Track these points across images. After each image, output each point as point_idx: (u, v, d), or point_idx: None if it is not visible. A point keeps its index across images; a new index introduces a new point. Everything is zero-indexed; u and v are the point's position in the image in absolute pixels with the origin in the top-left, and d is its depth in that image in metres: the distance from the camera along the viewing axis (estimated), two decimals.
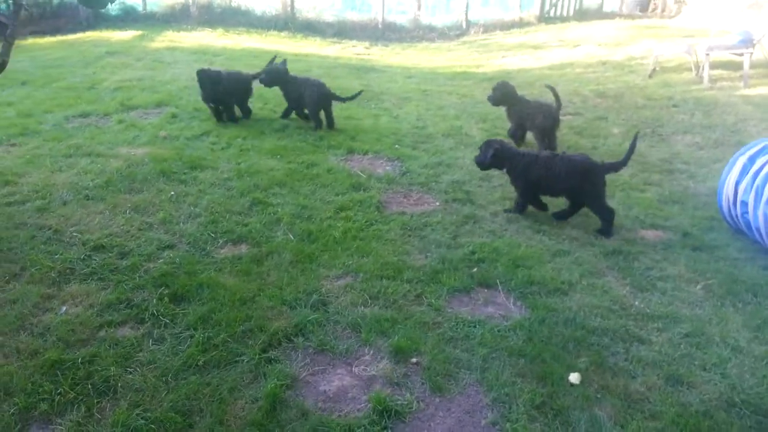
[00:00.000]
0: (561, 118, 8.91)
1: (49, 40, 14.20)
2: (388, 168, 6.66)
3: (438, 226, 5.24)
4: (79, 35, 14.76)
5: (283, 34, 16.97)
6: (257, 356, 3.36)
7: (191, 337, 3.46)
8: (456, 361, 3.49)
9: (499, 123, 8.71)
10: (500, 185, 6.35)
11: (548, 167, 5.39)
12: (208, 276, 4.12)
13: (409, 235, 5.06)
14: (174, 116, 7.71)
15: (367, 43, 16.71)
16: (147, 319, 3.60)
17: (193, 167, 6.09)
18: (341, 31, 17.71)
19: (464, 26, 18.08)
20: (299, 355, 3.46)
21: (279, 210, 5.27)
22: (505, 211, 5.64)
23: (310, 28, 17.57)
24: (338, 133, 7.65)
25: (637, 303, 4.25)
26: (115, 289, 3.87)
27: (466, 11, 18.06)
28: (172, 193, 5.46)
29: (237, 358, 3.35)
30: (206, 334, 3.49)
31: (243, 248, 4.63)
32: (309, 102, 7.86)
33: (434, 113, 9.26)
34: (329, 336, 3.62)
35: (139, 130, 7.12)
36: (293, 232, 4.92)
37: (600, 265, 4.77)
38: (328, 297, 4.03)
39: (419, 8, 18.36)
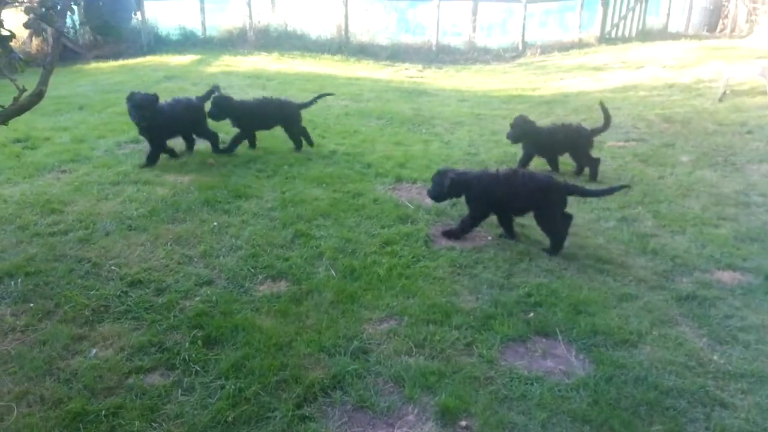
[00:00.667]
0: (625, 143, 8.41)
1: (111, 64, 14.69)
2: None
3: (490, 264, 4.88)
4: (140, 60, 15.22)
5: (336, 57, 17.04)
6: (290, 413, 3.08)
7: (222, 387, 3.22)
8: (511, 426, 3.11)
9: None
10: None
11: (510, 184, 5.20)
12: (244, 317, 3.90)
13: (459, 274, 4.71)
14: (223, 142, 7.65)
15: (420, 66, 16.54)
16: (178, 365, 3.40)
17: (238, 196, 5.95)
18: (395, 54, 17.63)
19: (521, 48, 17.66)
20: (336, 412, 3.16)
21: (322, 243, 5.04)
22: (444, 233, 5.42)
23: (364, 52, 17.57)
24: (387, 160, 7.40)
25: (716, 358, 3.77)
26: (148, 330, 3.70)
27: (523, 32, 17.65)
28: (215, 223, 5.32)
29: (269, 414, 3.08)
30: (238, 384, 3.25)
31: (282, 285, 4.40)
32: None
33: (487, 139, 8.91)
34: (370, 390, 3.31)
35: (189, 157, 7.08)
36: (336, 268, 4.66)
37: (672, 311, 4.29)
38: (369, 344, 3.73)
39: (474, 30, 18.07)
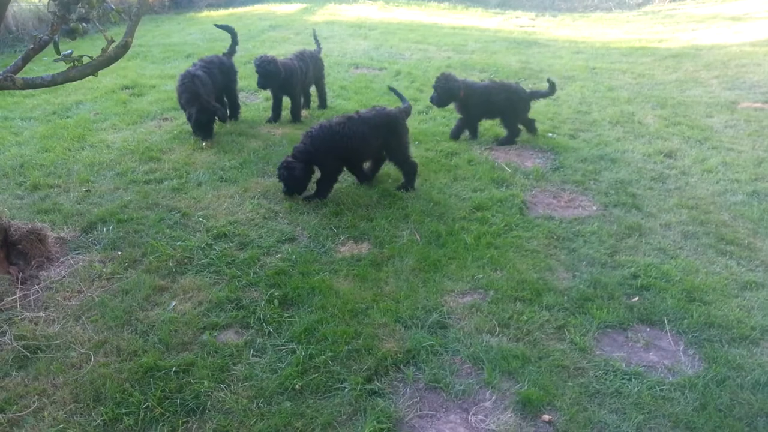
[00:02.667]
0: (763, 105, 7.39)
1: (221, 12, 14.98)
2: (538, 161, 5.85)
3: (592, 238, 4.41)
4: (249, 8, 15.40)
5: (443, 5, 16.34)
6: (360, 386, 2.92)
7: (292, 352, 3.12)
8: (600, 426, 2.77)
9: (681, 110, 7.39)
10: (677, 188, 5.27)
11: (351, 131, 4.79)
12: (322, 279, 3.77)
13: (555, 247, 4.30)
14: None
15: (533, 14, 15.49)
16: (252, 325, 3.34)
17: None
18: (506, 0, 16.61)
19: None
20: (408, 389, 2.97)
21: (408, 205, 4.79)
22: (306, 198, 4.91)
23: None
24: None
25: None
26: (227, 285, 3.67)
27: None
28: None
29: (337, 386, 2.94)
30: (309, 350, 3.13)
31: (364, 247, 4.22)
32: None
33: (602, 95, 8.13)
34: (445, 370, 3.08)
35: (284, 110, 7.01)
36: (421, 232, 4.41)
37: None
38: (449, 318, 3.48)
39: None
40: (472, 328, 3.40)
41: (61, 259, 3.80)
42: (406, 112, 5.18)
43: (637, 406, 2.88)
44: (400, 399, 2.91)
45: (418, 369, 3.10)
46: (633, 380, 3.04)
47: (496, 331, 3.38)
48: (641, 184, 5.36)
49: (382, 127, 4.88)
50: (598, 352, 3.25)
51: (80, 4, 3.75)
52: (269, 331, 3.29)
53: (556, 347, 3.26)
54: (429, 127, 6.60)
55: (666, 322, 3.50)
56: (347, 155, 4.87)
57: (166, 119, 6.64)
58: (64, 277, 3.63)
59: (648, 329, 3.47)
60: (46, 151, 5.56)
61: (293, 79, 6.40)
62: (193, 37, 11.39)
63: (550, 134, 6.57)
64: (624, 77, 9.12)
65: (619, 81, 8.90)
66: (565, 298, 3.69)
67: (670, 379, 3.08)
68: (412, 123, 6.69)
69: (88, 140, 5.83)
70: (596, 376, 3.07)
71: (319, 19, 13.79)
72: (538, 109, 7.36)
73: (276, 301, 3.54)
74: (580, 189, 5.26)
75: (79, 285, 3.57)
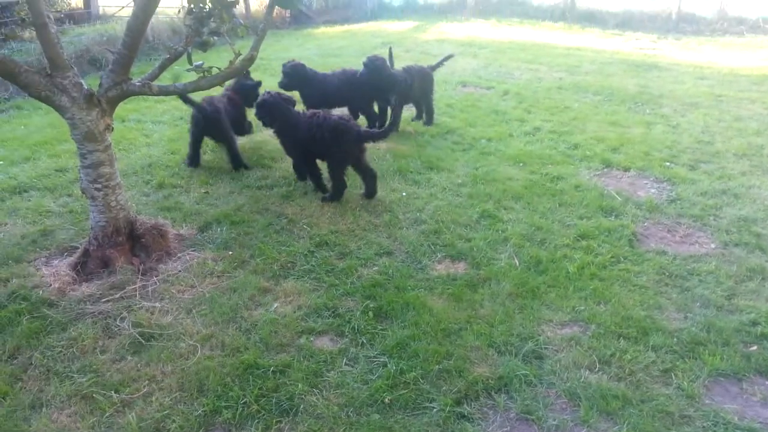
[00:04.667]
0: None
1: (337, 29, 15.57)
2: (652, 191, 5.54)
3: (709, 278, 4.10)
4: (363, 25, 15.90)
5: (558, 24, 15.98)
6: (449, 407, 2.90)
7: (384, 365, 3.15)
8: None
9: None
10: None
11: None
12: (417, 295, 3.78)
13: (667, 284, 4.04)
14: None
15: (654, 36, 14.75)
16: (347, 333, 3.41)
17: (430, 167, 5.84)
18: (626, 21, 15.96)
19: None
20: (498, 417, 2.90)
21: (509, 228, 4.70)
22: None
23: (590, 19, 16.20)
24: (597, 142, 6.68)
25: None
26: (325, 292, 3.78)
27: None
28: (404, 193, 5.28)
29: (426, 405, 2.93)
30: (400, 365, 3.15)
31: (460, 267, 4.19)
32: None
33: (727, 125, 7.57)
34: (538, 402, 2.97)
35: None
36: (520, 256, 4.31)
37: None
38: (545, 348, 3.37)
39: None
40: (569, 361, 3.27)
41: (179, 255, 4.10)
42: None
43: None
44: (489, 426, 2.85)
45: (510, 398, 3.02)
46: None
47: (595, 368, 3.22)
48: (767, 223, 4.92)
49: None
50: (707, 401, 3.01)
51: (212, 19, 4.06)
52: (362, 342, 3.35)
53: (660, 391, 3.06)
54: (535, 149, 6.45)
55: None
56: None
57: None
58: (180, 271, 3.91)
59: (766, 382, 3.16)
60: (172, 153, 6.03)
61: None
62: (309, 52, 11.91)
63: (668, 163, 6.20)
64: (753, 107, 8.45)
65: (748, 111, 8.25)
66: (675, 339, 3.45)
67: None
68: (517, 144, 6.60)
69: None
70: (704, 427, 2.84)
71: (429, 37, 13.96)
72: (656, 136, 7.00)
73: (371, 313, 3.59)
74: (697, 224, 4.91)
75: (193, 280, 3.83)
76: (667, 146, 6.70)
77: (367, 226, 4.73)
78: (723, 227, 4.85)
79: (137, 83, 3.65)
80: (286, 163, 5.88)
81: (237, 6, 4.19)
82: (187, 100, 5.40)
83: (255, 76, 9.74)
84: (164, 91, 3.76)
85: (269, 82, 9.21)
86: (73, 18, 13.42)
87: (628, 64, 11.14)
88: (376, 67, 6.40)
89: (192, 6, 4.03)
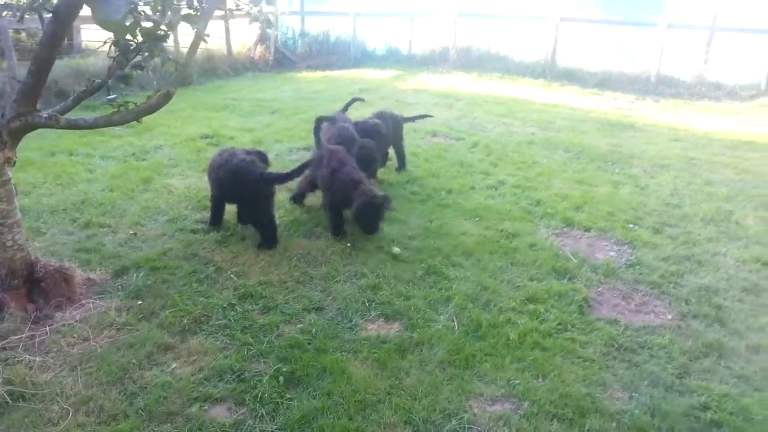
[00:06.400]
0: None
1: (318, 74, 15.57)
2: (611, 254, 5.27)
3: (661, 353, 3.78)
4: (345, 72, 15.93)
5: (538, 81, 16.06)
6: None
7: None
8: None
9: None
10: None
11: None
12: (338, 359, 3.42)
13: (615, 358, 3.71)
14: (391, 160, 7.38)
15: (632, 97, 14.82)
16: (248, 402, 3.03)
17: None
18: (605, 81, 16.07)
19: (763, 86, 14.90)
20: None
21: (453, 286, 4.38)
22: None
23: (570, 77, 16.31)
24: (561, 200, 6.44)
25: None
26: (236, 352, 3.41)
27: None
28: (349, 244, 4.97)
29: None
30: None
31: (394, 328, 3.85)
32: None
33: (697, 189, 7.38)
34: None
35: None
36: (460, 319, 3.98)
37: None
38: (470, 429, 3.00)
39: (706, 62, 15.71)
40: None
41: (83, 302, 3.73)
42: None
43: None
44: None
45: None
46: None
47: None
48: (730, 294, 4.64)
49: None
50: None
51: (140, 53, 3.83)
52: (263, 414, 2.97)
53: None
54: (495, 203, 6.20)
55: None
56: None
57: None
58: (77, 321, 3.54)
59: None
60: (110, 191, 5.72)
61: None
62: (284, 95, 11.81)
63: (631, 225, 5.96)
64: (725, 171, 8.31)
65: (720, 175, 8.10)
66: (614, 424, 3.10)
67: None
68: (477, 198, 6.35)
69: (153, 184, 5.96)
70: None
71: (408, 86, 13.94)
72: (622, 197, 6.78)
73: (281, 378, 3.23)
74: (655, 292, 4.62)
75: (88, 332, 3.45)
76: (633, 207, 6.47)
77: (301, 277, 4.39)
78: (682, 296, 4.56)
79: (44, 115, 3.37)
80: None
81: (167, 41, 3.96)
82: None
83: (224, 115, 9.61)
84: (73, 125, 3.48)
85: (236, 122, 9.05)
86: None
87: (603, 122, 11.08)
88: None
89: (119, 38, 3.80)
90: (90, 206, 5.29)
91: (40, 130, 4.99)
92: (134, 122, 3.67)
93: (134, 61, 3.85)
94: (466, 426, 3.01)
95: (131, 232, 4.85)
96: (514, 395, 3.28)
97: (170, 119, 8.85)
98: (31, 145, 7.05)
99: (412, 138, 8.64)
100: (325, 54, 17.09)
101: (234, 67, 14.94)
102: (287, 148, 7.69)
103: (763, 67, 14.95)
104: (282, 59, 16.47)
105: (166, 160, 6.86)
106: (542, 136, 9.52)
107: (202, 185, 6.10)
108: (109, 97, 3.57)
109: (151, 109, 3.55)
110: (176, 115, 9.21)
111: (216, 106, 10.33)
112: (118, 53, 3.74)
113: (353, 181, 4.97)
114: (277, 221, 5.30)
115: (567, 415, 3.12)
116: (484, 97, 12.91)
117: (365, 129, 6.45)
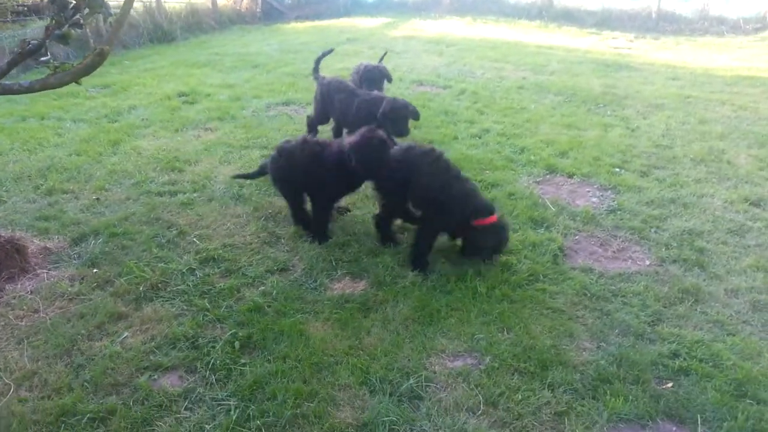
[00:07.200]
0: None
1: (307, 24, 15.10)
2: (593, 200, 5.10)
3: (634, 300, 3.67)
4: (334, 21, 15.44)
5: (534, 23, 15.54)
6: None
7: (227, 411, 2.71)
8: None
9: None
10: (757, 245, 4.37)
11: None
12: (297, 321, 3.33)
13: (585, 307, 3.60)
14: None
15: (632, 35, 14.30)
16: (200, 369, 2.96)
17: None
18: (604, 20, 15.50)
19: None
20: None
21: None
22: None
23: (568, 17, 15.75)
24: (546, 146, 6.24)
25: None
26: (192, 319, 3.33)
27: None
28: None
29: None
30: (248, 410, 2.70)
31: (360, 286, 3.75)
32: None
33: (691, 128, 7.13)
34: None
35: (327, 125, 6.70)
36: (429, 275, 3.86)
37: None
38: (428, 386, 2.92)
39: None
40: (451, 402, 2.82)
41: (37, 272, 3.64)
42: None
43: None
44: None
45: None
46: None
47: (478, 410, 2.78)
48: (714, 236, 4.49)
49: None
50: None
51: (79, 10, 3.60)
52: (214, 381, 2.90)
53: None
54: (477, 153, 6.00)
55: (699, 422, 2.74)
56: None
57: (208, 129, 6.51)
58: (29, 293, 3.45)
59: (674, 428, 2.73)
60: (77, 155, 5.57)
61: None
62: (269, 48, 11.45)
63: (617, 169, 5.76)
64: (722, 109, 8.01)
65: (715, 113, 7.81)
66: (578, 375, 3.01)
67: None
68: (460, 147, 6.15)
69: (123, 146, 5.80)
70: None
71: (399, 34, 13.50)
72: (611, 140, 6.55)
73: (237, 343, 3.14)
74: (635, 237, 4.47)
75: (38, 303, 3.37)
76: (621, 150, 6.25)
77: (268, 238, 4.28)
78: (663, 241, 4.42)
79: None
80: (201, 167, 5.43)
81: None
82: None
83: (204, 72, 9.33)
84: (8, 90, 3.30)
85: (216, 79, 8.79)
86: (38, 11, 12.91)
87: (599, 63, 10.69)
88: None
89: None
90: (55, 172, 5.15)
91: (11, 96, 4.83)
92: (111, 83, 3.46)
93: (73, 19, 3.61)
94: (424, 384, 2.93)
95: (94, 197, 4.72)
96: (476, 350, 3.18)
97: (147, 77, 8.61)
98: (1, 111, 6.89)
99: (396, 87, 8.37)
100: (315, 3, 16.56)
101: (219, 21, 14.49)
102: (265, 103, 7.46)
103: None
104: (270, 10, 15.96)
105: (139, 121, 6.67)
106: (534, 80, 9.20)
107: (174, 145, 5.95)
108: (42, 59, 3.37)
109: (87, 69, 3.35)
110: (154, 73, 8.96)
111: (197, 62, 10.03)
112: (55, 8, 3.52)
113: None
114: (249, 180, 5.17)
115: (529, 368, 3.04)
116: (477, 42, 12.49)
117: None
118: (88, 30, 3.63)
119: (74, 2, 3.66)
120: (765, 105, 8.14)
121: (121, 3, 3.50)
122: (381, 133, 4.08)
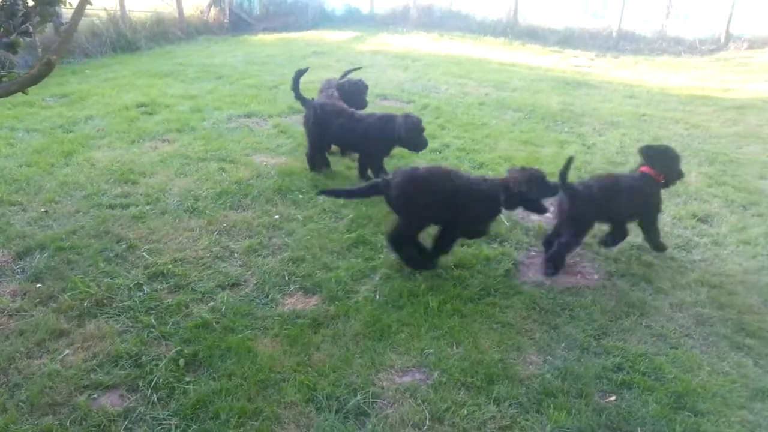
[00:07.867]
0: None
1: (274, 36, 15.06)
2: (547, 215, 5.18)
3: (582, 314, 3.74)
4: (301, 34, 15.44)
5: (499, 40, 15.80)
6: None
7: (168, 431, 2.66)
8: None
9: (732, 168, 6.52)
10: (702, 260, 4.51)
11: None
12: (243, 338, 3.30)
13: (534, 321, 3.66)
14: None
15: (593, 54, 14.68)
16: (141, 388, 2.90)
17: (316, 186, 5.37)
18: (567, 39, 15.87)
19: (723, 40, 14.82)
20: None
21: (381, 256, 4.26)
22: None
23: (532, 35, 16.08)
24: (504, 161, 6.33)
25: None
26: (136, 336, 3.26)
27: (729, 21, 14.75)
28: (277, 216, 4.80)
29: None
30: (188, 430, 2.65)
31: (311, 302, 3.73)
32: None
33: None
34: None
35: (289, 138, 6.69)
36: (383, 290, 3.87)
37: None
38: (375, 403, 2.92)
39: (667, 17, 15.55)
40: (397, 418, 2.82)
41: None
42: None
43: None
44: None
45: None
46: None
47: (424, 426, 2.79)
48: (662, 252, 4.61)
49: None
50: None
51: (29, 19, 3.54)
52: (156, 399, 2.84)
53: None
54: None
55: None
56: None
57: (165, 141, 6.43)
58: None
59: None
60: (28, 166, 5.43)
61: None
62: (234, 60, 11.39)
63: None
64: (676, 127, 8.27)
65: (669, 131, 8.05)
66: (524, 389, 3.05)
67: None
68: (420, 163, 6.19)
69: (76, 158, 5.67)
70: None
71: (366, 48, 13.59)
72: (566, 156, 6.67)
73: (182, 361, 3.09)
74: (585, 252, 4.57)
75: None
76: (576, 167, 6.37)
77: (221, 252, 4.23)
78: (612, 256, 4.52)
79: None
80: (156, 179, 5.35)
81: (60, 4, 3.65)
82: None
83: (166, 82, 9.22)
84: None
85: (178, 89, 8.69)
86: None
87: (559, 81, 10.93)
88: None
89: (4, 1, 3.51)
90: (3, 183, 5.00)
91: None
92: (69, 92, 3.39)
93: (22, 27, 3.56)
94: (371, 400, 2.92)
95: (43, 209, 4.60)
96: (425, 365, 3.20)
97: (107, 87, 8.46)
98: None
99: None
100: (283, 15, 16.56)
101: (186, 31, 14.36)
102: (226, 115, 7.40)
103: (723, 20, 14.85)
104: (238, 22, 15.89)
105: (94, 132, 6.54)
106: (495, 97, 9.36)
107: (129, 157, 5.85)
108: None
109: (34, 79, 3.29)
110: (115, 83, 8.82)
111: (160, 72, 9.91)
112: (3, 17, 3.46)
113: None
114: (205, 193, 5.12)
115: (476, 383, 3.06)
116: (443, 58, 12.65)
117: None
118: (37, 38, 3.54)
119: (24, 10, 3.61)
120: (716, 124, 8.43)
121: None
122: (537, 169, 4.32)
